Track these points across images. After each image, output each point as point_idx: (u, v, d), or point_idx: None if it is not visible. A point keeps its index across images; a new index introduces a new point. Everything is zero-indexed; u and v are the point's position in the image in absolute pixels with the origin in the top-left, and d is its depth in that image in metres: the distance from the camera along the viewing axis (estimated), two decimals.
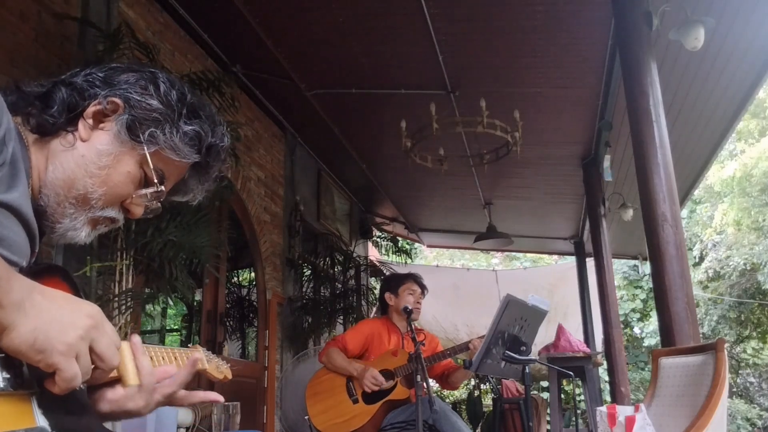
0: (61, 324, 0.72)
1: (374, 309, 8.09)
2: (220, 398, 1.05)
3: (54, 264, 0.92)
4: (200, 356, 1.05)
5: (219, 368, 1.19)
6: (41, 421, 0.74)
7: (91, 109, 0.92)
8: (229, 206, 5.10)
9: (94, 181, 0.91)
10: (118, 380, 0.92)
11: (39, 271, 0.80)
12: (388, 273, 7.97)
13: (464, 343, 3.36)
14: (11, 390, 0.72)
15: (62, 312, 0.73)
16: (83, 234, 0.94)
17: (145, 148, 0.94)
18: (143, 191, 0.97)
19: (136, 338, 0.95)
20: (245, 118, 5.28)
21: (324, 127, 5.92)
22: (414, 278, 3.62)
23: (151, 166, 0.95)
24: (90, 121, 0.93)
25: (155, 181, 0.96)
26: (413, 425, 3.07)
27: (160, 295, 3.41)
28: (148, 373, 0.93)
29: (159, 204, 1.00)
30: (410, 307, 3.23)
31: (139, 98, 0.93)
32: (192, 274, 3.72)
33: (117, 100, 0.93)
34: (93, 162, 0.91)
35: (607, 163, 5.24)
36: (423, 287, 3.62)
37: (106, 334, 0.78)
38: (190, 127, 0.96)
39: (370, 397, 3.34)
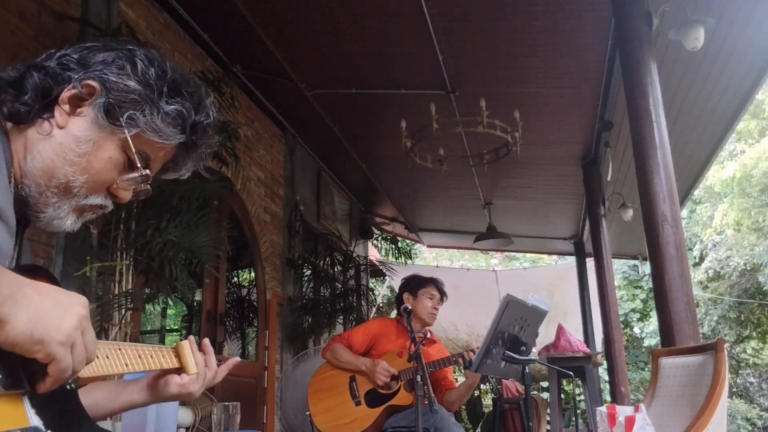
0: (56, 313, 0.71)
1: (374, 309, 8.09)
2: (237, 359, 1.26)
3: (37, 265, 0.91)
4: (207, 341, 1.22)
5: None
6: (35, 420, 0.73)
7: (66, 94, 0.88)
8: (229, 206, 5.10)
9: (75, 169, 0.88)
10: (182, 370, 1.12)
11: (22, 272, 0.80)
12: (388, 273, 8.00)
13: (457, 354, 3.32)
14: (3, 390, 0.71)
15: (55, 303, 0.72)
16: (68, 222, 0.91)
17: (126, 131, 0.90)
18: (128, 176, 0.93)
19: (192, 338, 1.15)
20: (245, 118, 5.28)
21: (324, 127, 5.92)
22: (435, 283, 3.51)
23: (134, 150, 0.91)
24: (66, 107, 0.89)
25: (139, 165, 0.92)
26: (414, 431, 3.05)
27: (160, 295, 3.41)
28: (202, 364, 1.14)
29: (148, 186, 0.96)
30: (410, 307, 3.20)
31: (115, 79, 0.89)
32: (192, 274, 3.72)
33: (92, 83, 0.89)
34: (72, 150, 0.88)
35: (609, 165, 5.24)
36: (443, 293, 3.52)
37: (90, 326, 0.77)
38: (172, 107, 0.92)
39: (372, 401, 3.31)
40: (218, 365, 1.22)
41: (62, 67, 0.90)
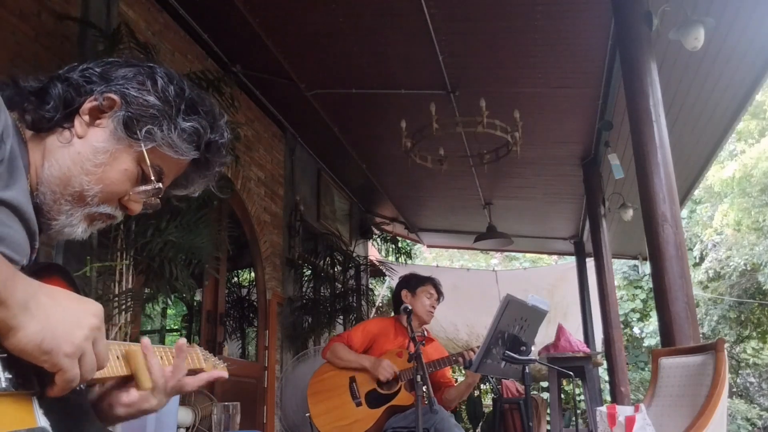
0: (67, 324, 0.72)
1: (374, 309, 8.09)
2: (225, 374, 1.10)
3: (54, 263, 0.92)
4: (184, 342, 1.04)
5: (216, 367, 1.20)
6: (42, 421, 0.74)
7: (87, 105, 0.91)
8: (229, 206, 5.10)
9: (90, 178, 0.90)
10: (131, 384, 0.95)
11: (39, 270, 0.80)
12: (388, 273, 8.01)
13: (458, 353, 3.33)
14: (13, 390, 0.72)
15: (67, 312, 0.73)
16: (80, 230, 0.93)
17: (142, 145, 0.92)
18: (141, 188, 0.95)
19: (146, 340, 0.97)
20: (245, 118, 5.28)
21: (324, 127, 5.92)
22: (434, 282, 3.56)
23: (149, 164, 0.93)
24: (86, 118, 0.91)
25: (153, 178, 0.94)
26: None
27: (160, 295, 3.42)
28: (159, 375, 0.96)
29: (158, 200, 0.99)
30: (410, 307, 3.20)
31: (136, 94, 0.92)
32: (192, 274, 3.72)
33: (113, 96, 0.91)
34: (89, 159, 0.90)
35: (616, 161, 5.23)
36: (440, 293, 3.57)
37: (103, 335, 0.78)
38: (189, 124, 0.94)
39: (373, 401, 3.31)
40: (214, 365, 1.13)
41: (85, 79, 0.92)
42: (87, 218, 0.93)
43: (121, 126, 0.91)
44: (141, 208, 0.98)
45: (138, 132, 0.91)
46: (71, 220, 0.91)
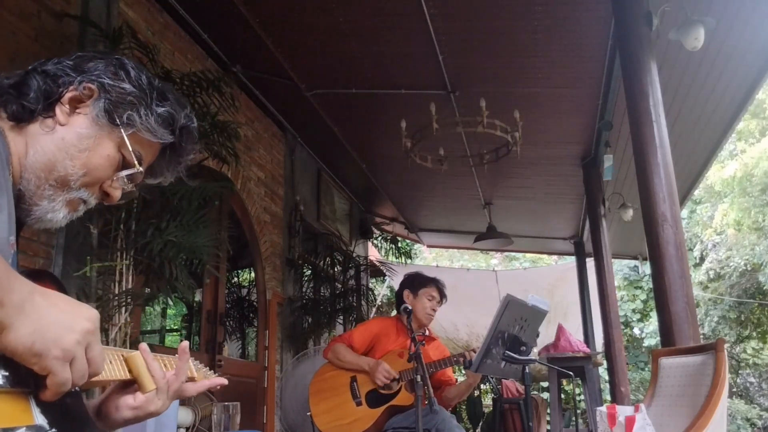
0: (60, 327, 0.72)
1: (374, 309, 8.08)
2: (224, 381, 1.13)
3: (43, 269, 0.93)
4: (186, 345, 1.06)
5: (208, 377, 1.21)
6: (39, 419, 0.74)
7: (68, 95, 0.95)
8: (229, 206, 5.10)
9: (75, 163, 0.94)
10: (135, 388, 0.98)
11: (30, 275, 0.80)
12: (388, 273, 8.01)
13: (458, 354, 3.33)
14: (9, 388, 0.72)
15: (62, 315, 0.73)
16: (60, 216, 0.96)
17: (123, 130, 0.96)
18: (124, 172, 0.99)
19: (144, 345, 0.99)
20: (245, 118, 5.28)
21: (324, 127, 5.92)
22: (437, 284, 3.54)
23: (130, 148, 0.97)
24: (66, 108, 0.95)
25: (135, 162, 0.98)
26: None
27: (160, 295, 3.41)
28: (160, 376, 0.99)
29: (134, 187, 1.03)
30: (410, 307, 3.21)
31: (112, 83, 0.96)
32: (192, 274, 3.71)
33: (91, 85, 0.95)
34: (74, 145, 0.94)
35: (609, 162, 5.24)
36: (443, 295, 3.55)
37: (99, 340, 0.78)
38: (163, 109, 0.99)
39: (373, 401, 3.31)
40: (205, 376, 1.14)
41: (61, 71, 0.97)
42: (69, 204, 0.96)
43: (102, 113, 0.95)
44: (120, 196, 1.02)
45: (118, 118, 0.96)
46: (53, 205, 0.94)
